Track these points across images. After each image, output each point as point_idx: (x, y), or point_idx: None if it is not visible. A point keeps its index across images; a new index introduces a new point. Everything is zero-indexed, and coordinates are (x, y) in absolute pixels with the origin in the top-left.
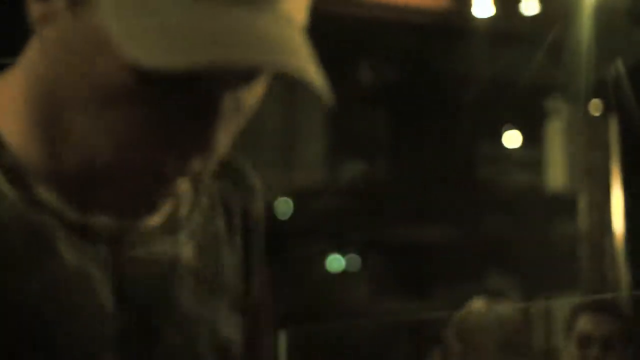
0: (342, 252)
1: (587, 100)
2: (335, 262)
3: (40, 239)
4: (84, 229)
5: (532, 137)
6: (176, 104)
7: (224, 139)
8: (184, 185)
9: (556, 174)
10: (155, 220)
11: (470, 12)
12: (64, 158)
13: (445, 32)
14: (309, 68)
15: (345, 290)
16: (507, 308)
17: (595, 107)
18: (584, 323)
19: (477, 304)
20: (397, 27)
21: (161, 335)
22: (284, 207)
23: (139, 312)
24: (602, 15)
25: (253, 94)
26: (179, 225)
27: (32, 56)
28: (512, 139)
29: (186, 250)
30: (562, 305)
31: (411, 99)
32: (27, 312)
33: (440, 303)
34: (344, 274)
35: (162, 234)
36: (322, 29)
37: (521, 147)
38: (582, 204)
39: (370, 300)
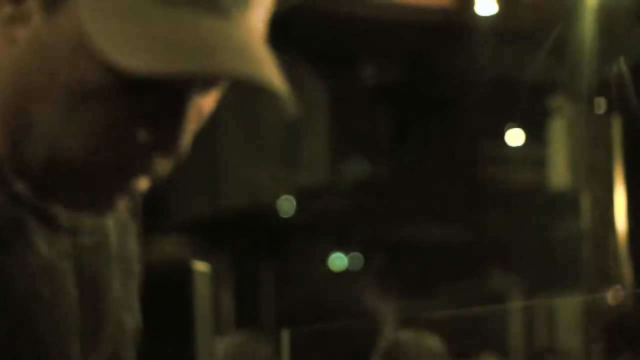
0: (345, 250)
1: (590, 98)
2: (338, 261)
3: (19, 233)
4: (50, 221)
5: (535, 136)
6: (147, 104)
7: (186, 140)
8: (144, 183)
9: (559, 172)
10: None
11: (473, 10)
12: (29, 152)
13: (449, 29)
14: (275, 78)
15: (348, 289)
16: (433, 341)
17: (598, 105)
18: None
19: (405, 336)
20: (400, 25)
21: (105, 321)
22: (287, 205)
23: (92, 300)
24: (606, 13)
25: (211, 99)
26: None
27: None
28: (515, 137)
29: (113, 237)
30: (564, 303)
31: (414, 98)
32: (7, 304)
33: (442, 301)
34: (346, 272)
35: (98, 222)
36: (325, 27)
37: (524, 145)
38: (585, 202)
39: (372, 299)
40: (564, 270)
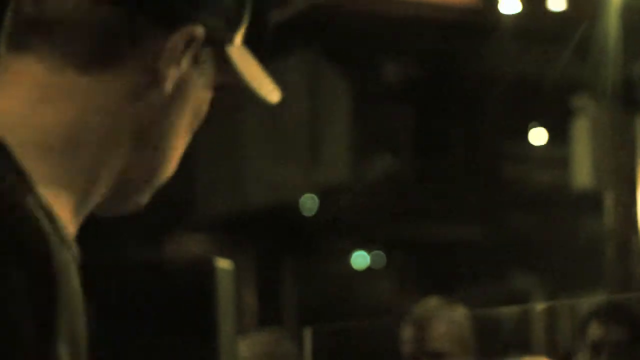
0: (367, 248)
1: (614, 98)
2: (360, 259)
3: (71, 274)
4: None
5: (559, 135)
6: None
7: None
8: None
9: (582, 171)
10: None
11: (497, 9)
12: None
13: (473, 29)
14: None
15: (370, 287)
16: (459, 308)
17: (621, 104)
18: (595, 329)
19: (431, 302)
20: (424, 24)
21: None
22: (310, 203)
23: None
24: (629, 13)
25: None
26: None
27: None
28: (538, 136)
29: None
30: (587, 304)
31: (437, 96)
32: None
33: (465, 300)
34: (369, 270)
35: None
36: (348, 26)
37: (547, 144)
38: (608, 201)
39: (395, 297)
40: (587, 269)
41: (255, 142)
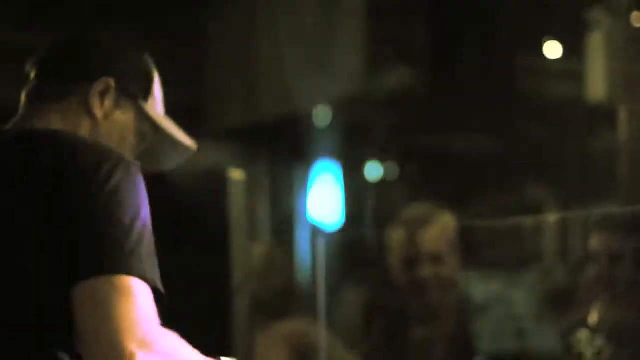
0: (381, 159)
1: (629, 11)
2: (374, 170)
3: None
4: None
5: (573, 48)
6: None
7: None
8: None
9: (596, 85)
10: None
11: None
12: None
13: None
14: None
15: (383, 198)
16: (447, 215)
17: (637, 18)
18: (594, 241)
19: (420, 207)
20: None
21: None
22: (323, 115)
23: None
24: None
25: None
26: None
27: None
28: (552, 49)
29: None
30: (598, 215)
31: (453, 8)
32: None
33: (477, 212)
34: (382, 182)
35: None
36: None
37: (561, 57)
38: (622, 115)
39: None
40: (600, 182)
41: (268, 53)
